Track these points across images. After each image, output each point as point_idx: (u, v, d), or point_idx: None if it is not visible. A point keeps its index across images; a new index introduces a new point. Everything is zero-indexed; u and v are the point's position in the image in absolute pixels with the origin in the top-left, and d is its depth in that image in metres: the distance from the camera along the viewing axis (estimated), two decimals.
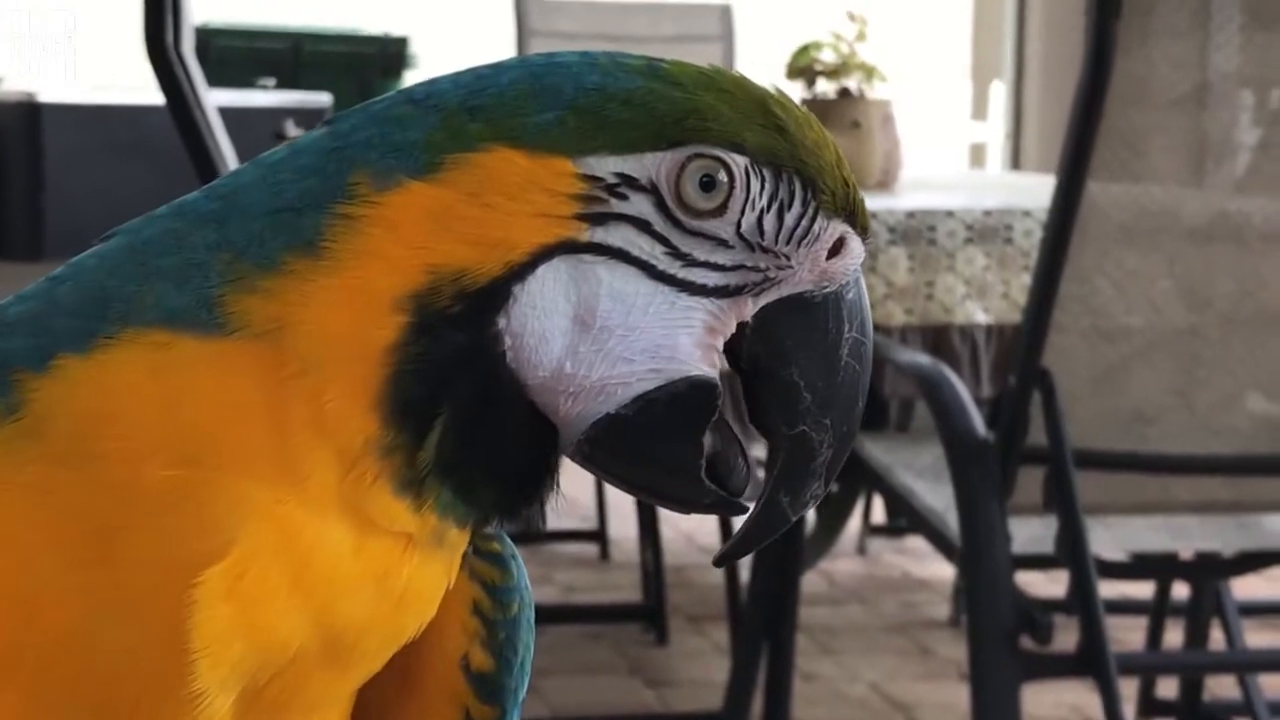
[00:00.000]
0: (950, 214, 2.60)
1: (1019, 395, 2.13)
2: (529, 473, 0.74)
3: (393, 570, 0.71)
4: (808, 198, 0.75)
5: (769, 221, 0.75)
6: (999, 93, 6.35)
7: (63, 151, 4.93)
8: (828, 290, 0.76)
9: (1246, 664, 2.88)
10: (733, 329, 0.75)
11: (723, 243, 0.74)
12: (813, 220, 0.75)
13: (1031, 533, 2.19)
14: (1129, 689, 2.78)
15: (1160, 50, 2.07)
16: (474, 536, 0.78)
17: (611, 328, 0.73)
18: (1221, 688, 3.10)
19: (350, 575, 0.70)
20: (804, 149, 0.75)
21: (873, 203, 2.68)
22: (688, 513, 0.77)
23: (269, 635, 0.69)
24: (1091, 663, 2.11)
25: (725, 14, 4.28)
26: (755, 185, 0.74)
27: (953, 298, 2.59)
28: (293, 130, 4.29)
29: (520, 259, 0.71)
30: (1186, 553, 2.49)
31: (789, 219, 0.75)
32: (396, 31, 5.82)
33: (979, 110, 6.48)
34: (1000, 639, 2.10)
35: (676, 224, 0.74)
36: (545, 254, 0.72)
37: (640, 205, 0.73)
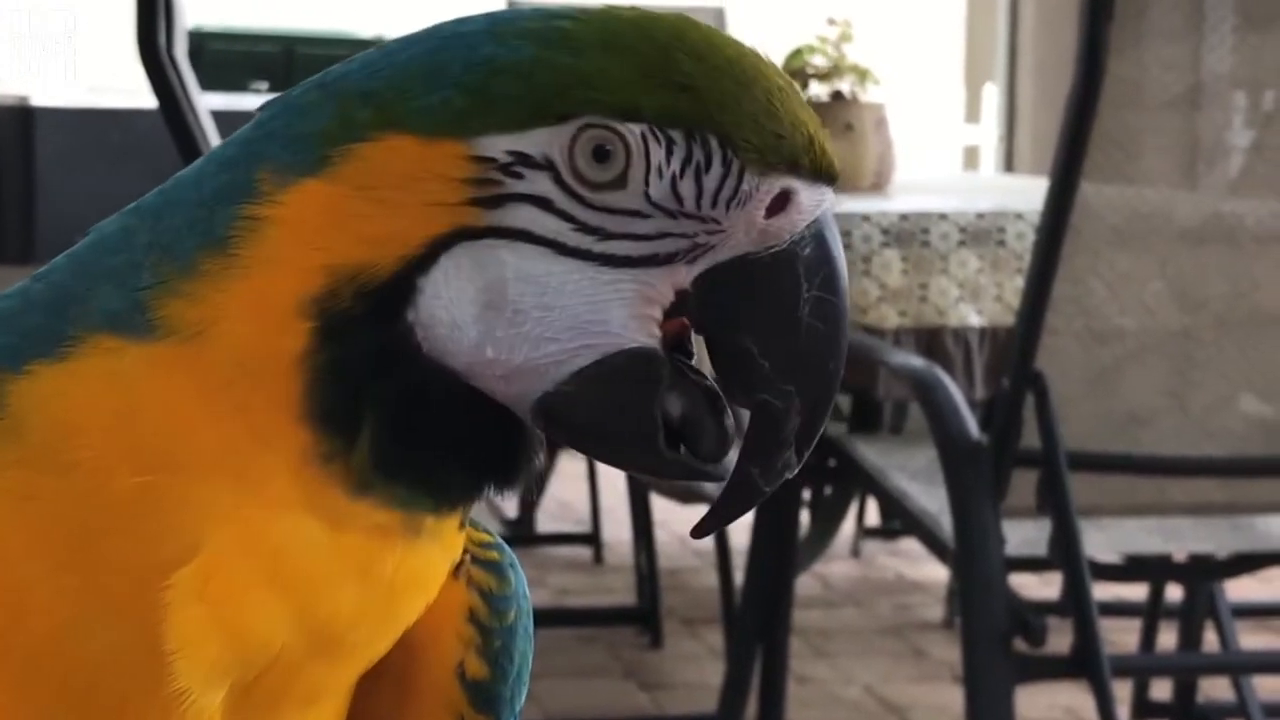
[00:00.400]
0: (943, 216, 2.60)
1: (1012, 397, 2.13)
2: (494, 451, 0.72)
3: (375, 561, 0.71)
4: (728, 157, 0.70)
5: (685, 186, 0.70)
6: (992, 95, 6.35)
7: (56, 154, 4.92)
8: (776, 249, 0.71)
9: (1240, 666, 2.88)
10: (670, 297, 0.71)
11: (636, 213, 0.70)
12: (739, 179, 0.70)
13: (1025, 535, 2.19)
14: (1123, 691, 2.78)
15: (1153, 52, 2.07)
16: (467, 526, 0.78)
17: (526, 310, 0.70)
18: (1215, 689, 3.10)
19: (328, 570, 0.70)
20: (716, 105, 0.69)
21: (866, 205, 2.68)
22: (658, 478, 0.75)
23: (247, 633, 0.69)
24: (1085, 665, 2.11)
25: (719, 17, 4.28)
26: (658, 151, 0.69)
27: (946, 300, 2.59)
28: None
29: (415, 252, 0.69)
30: (1180, 554, 2.50)
31: (708, 181, 0.70)
32: (389, 35, 5.82)
33: (972, 113, 6.49)
34: (994, 641, 2.10)
35: (579, 199, 0.70)
36: (442, 244, 0.69)
37: (538, 183, 0.70)
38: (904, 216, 2.60)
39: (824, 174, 0.71)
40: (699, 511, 0.76)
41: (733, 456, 0.73)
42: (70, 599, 0.68)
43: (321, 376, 0.69)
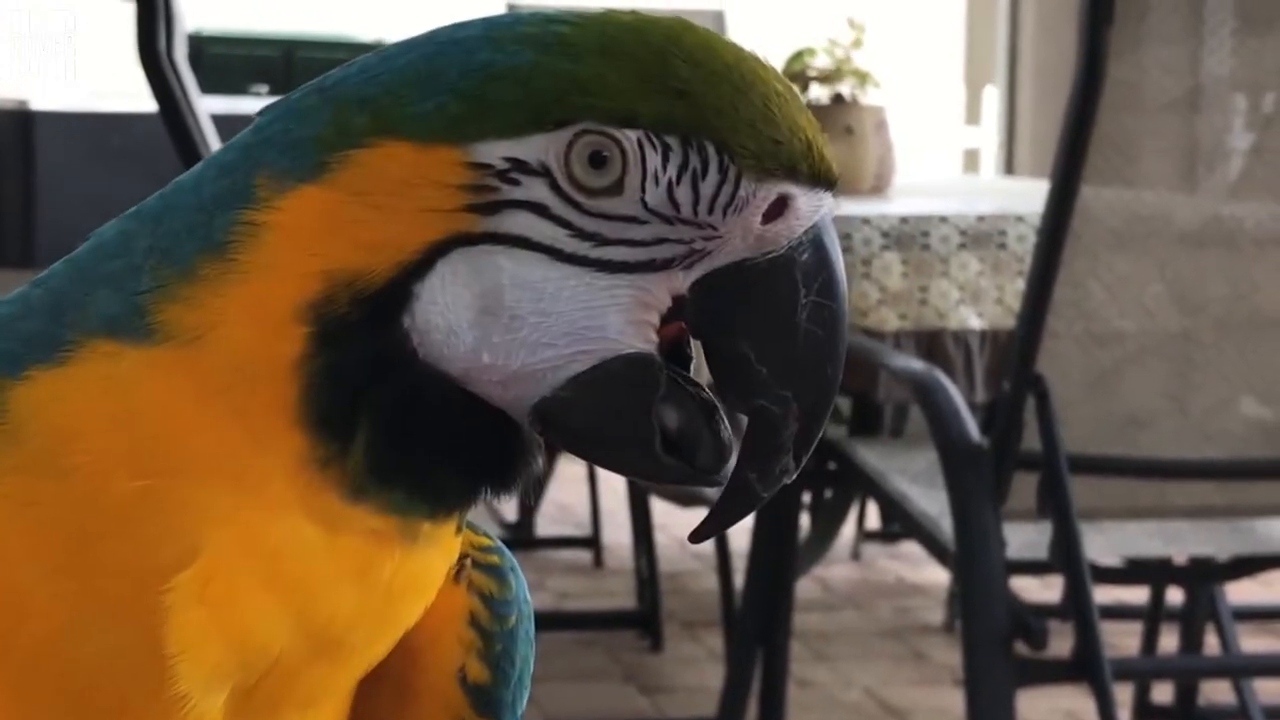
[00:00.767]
0: (944, 219, 2.60)
1: (1013, 400, 2.13)
2: (491, 456, 0.72)
3: (373, 565, 0.71)
4: (724, 163, 0.69)
5: (682, 192, 0.70)
6: (992, 98, 6.35)
7: (56, 158, 4.92)
8: (773, 255, 0.70)
9: (1241, 669, 2.88)
10: (667, 303, 0.71)
11: (633, 219, 0.70)
12: (736, 185, 0.70)
13: (1026, 538, 2.19)
14: (1124, 694, 2.78)
15: (1152, 55, 2.07)
16: (466, 529, 0.78)
17: (523, 315, 0.70)
18: (1216, 692, 3.10)
19: (326, 574, 0.70)
20: (712, 111, 0.69)
21: (866, 208, 2.68)
22: (656, 483, 0.75)
23: (247, 636, 0.69)
24: (1086, 668, 2.11)
25: (718, 20, 4.28)
26: (654, 158, 0.69)
27: (947, 303, 2.59)
28: None
29: (412, 258, 0.69)
30: (1181, 557, 2.50)
31: (705, 187, 0.70)
32: (389, 38, 5.82)
33: (972, 115, 6.49)
34: (995, 644, 2.10)
35: (576, 205, 0.69)
36: (438, 250, 0.69)
37: (535, 190, 0.69)
38: (904, 219, 2.60)
39: (822, 179, 0.71)
40: (699, 515, 0.76)
41: (732, 460, 0.73)
42: (69, 603, 0.68)
43: (318, 381, 0.69)
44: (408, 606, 0.74)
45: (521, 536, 4.04)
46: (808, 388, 0.71)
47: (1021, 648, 2.12)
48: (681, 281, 0.71)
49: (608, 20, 0.70)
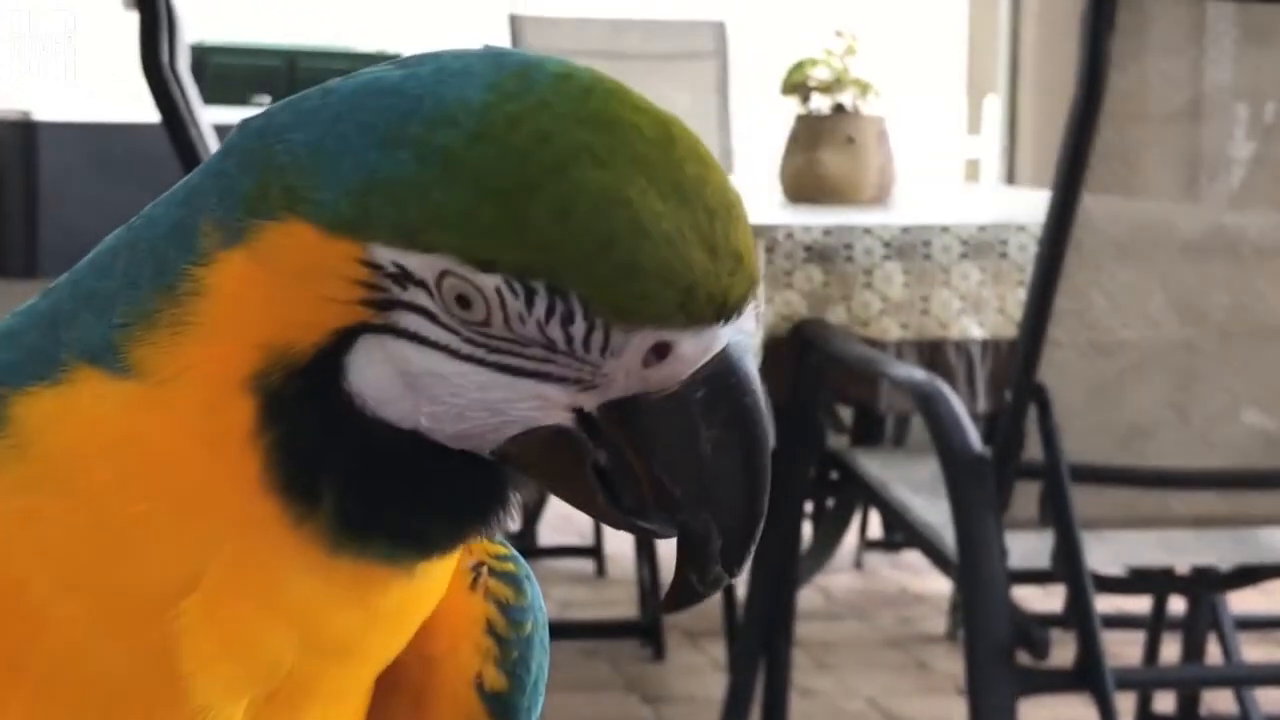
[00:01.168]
0: (945, 229, 2.61)
1: (1015, 410, 2.13)
2: (473, 493, 0.71)
3: (374, 594, 0.71)
4: (589, 313, 0.66)
5: (554, 332, 0.67)
6: (994, 107, 6.36)
7: (58, 169, 4.93)
8: (665, 393, 0.67)
9: (1243, 678, 2.88)
10: (574, 404, 0.68)
11: (514, 343, 0.68)
12: (606, 333, 0.66)
13: (1028, 547, 2.19)
14: (1126, 703, 2.78)
15: (1154, 65, 2.07)
16: (474, 548, 0.78)
17: (439, 395, 0.68)
18: (1219, 702, 3.10)
19: (329, 600, 0.70)
20: (572, 264, 0.65)
21: (867, 218, 2.68)
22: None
23: (258, 654, 0.69)
24: (1088, 677, 2.11)
25: (719, 30, 4.28)
26: (516, 303, 0.66)
27: (948, 312, 2.60)
28: None
29: (326, 340, 0.68)
30: (1183, 567, 2.49)
31: (575, 331, 0.66)
32: (391, 49, 5.83)
33: (974, 125, 6.49)
34: (997, 654, 2.10)
35: (457, 319, 0.67)
36: (350, 334, 0.68)
37: (421, 297, 0.67)
38: (905, 229, 2.60)
39: (716, 318, 0.67)
40: None
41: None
42: (82, 620, 0.68)
43: (273, 453, 0.68)
44: (418, 615, 0.75)
45: (524, 546, 4.05)
46: (724, 513, 0.69)
47: (1024, 657, 2.12)
48: (585, 400, 0.68)
49: (499, 133, 0.66)
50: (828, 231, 2.57)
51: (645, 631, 3.55)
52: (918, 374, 2.32)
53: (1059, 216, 2.07)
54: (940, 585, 3.87)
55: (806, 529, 3.19)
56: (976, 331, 2.60)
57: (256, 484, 0.68)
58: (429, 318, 0.68)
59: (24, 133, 4.96)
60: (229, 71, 5.41)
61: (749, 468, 0.69)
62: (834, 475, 2.91)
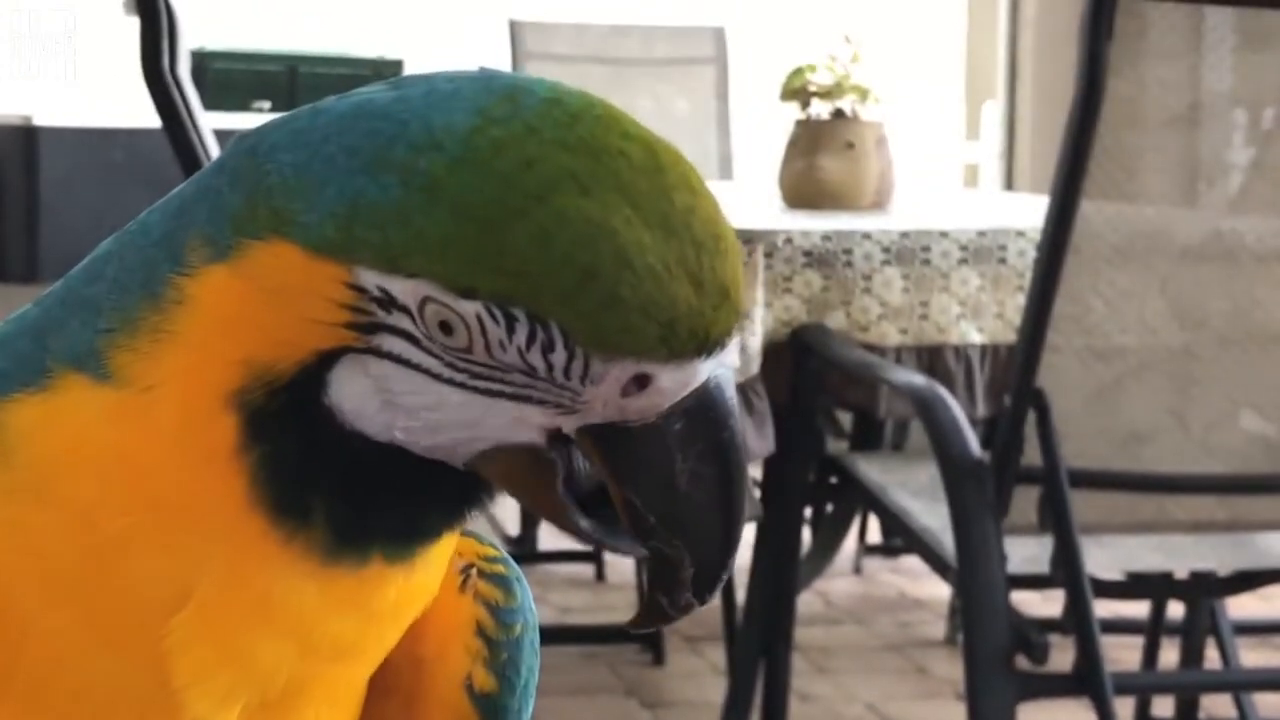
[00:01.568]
0: (944, 234, 2.61)
1: (1014, 415, 2.13)
2: (460, 489, 0.72)
3: (368, 597, 0.71)
4: (569, 342, 0.66)
5: (534, 359, 0.67)
6: (992, 113, 6.36)
7: (59, 174, 4.93)
8: (642, 423, 0.67)
9: (1242, 683, 2.88)
10: (551, 426, 0.68)
11: (495, 368, 0.68)
12: (585, 362, 0.66)
13: (1027, 552, 2.19)
14: (1125, 708, 2.78)
15: (1153, 71, 2.07)
16: (470, 541, 0.79)
17: (417, 411, 0.68)
18: (1217, 706, 3.10)
19: (325, 606, 0.70)
20: (552, 294, 0.65)
21: (867, 223, 2.68)
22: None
23: (252, 665, 0.70)
24: (1087, 682, 2.11)
25: (719, 36, 4.29)
26: (497, 330, 0.66)
27: (947, 318, 2.60)
28: None
29: (309, 359, 0.68)
30: (1181, 572, 2.50)
31: (555, 359, 0.66)
32: (391, 55, 5.83)
33: (972, 131, 6.49)
34: (996, 659, 2.11)
35: (438, 343, 0.68)
36: (331, 355, 0.68)
37: (404, 321, 0.67)
38: (905, 234, 2.60)
39: (697, 353, 0.67)
40: None
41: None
42: (71, 631, 0.68)
43: (258, 470, 0.68)
44: (416, 602, 0.75)
45: (524, 550, 4.04)
46: (696, 543, 0.69)
47: (1023, 662, 2.13)
48: (563, 423, 0.68)
49: (484, 160, 0.66)
50: (827, 237, 2.57)
51: (645, 636, 3.55)
52: (917, 379, 2.32)
53: (1058, 222, 2.07)
54: (939, 590, 3.87)
55: (806, 534, 3.19)
56: (976, 337, 2.60)
57: (243, 501, 0.68)
58: (411, 341, 0.68)
59: (25, 137, 4.97)
60: (230, 77, 5.41)
61: (724, 501, 0.69)
62: (833, 480, 2.91)
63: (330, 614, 0.70)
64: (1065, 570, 2.11)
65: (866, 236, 2.59)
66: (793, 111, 3.13)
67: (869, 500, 2.64)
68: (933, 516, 2.36)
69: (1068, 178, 2.05)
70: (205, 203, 0.70)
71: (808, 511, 3.30)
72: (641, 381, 0.67)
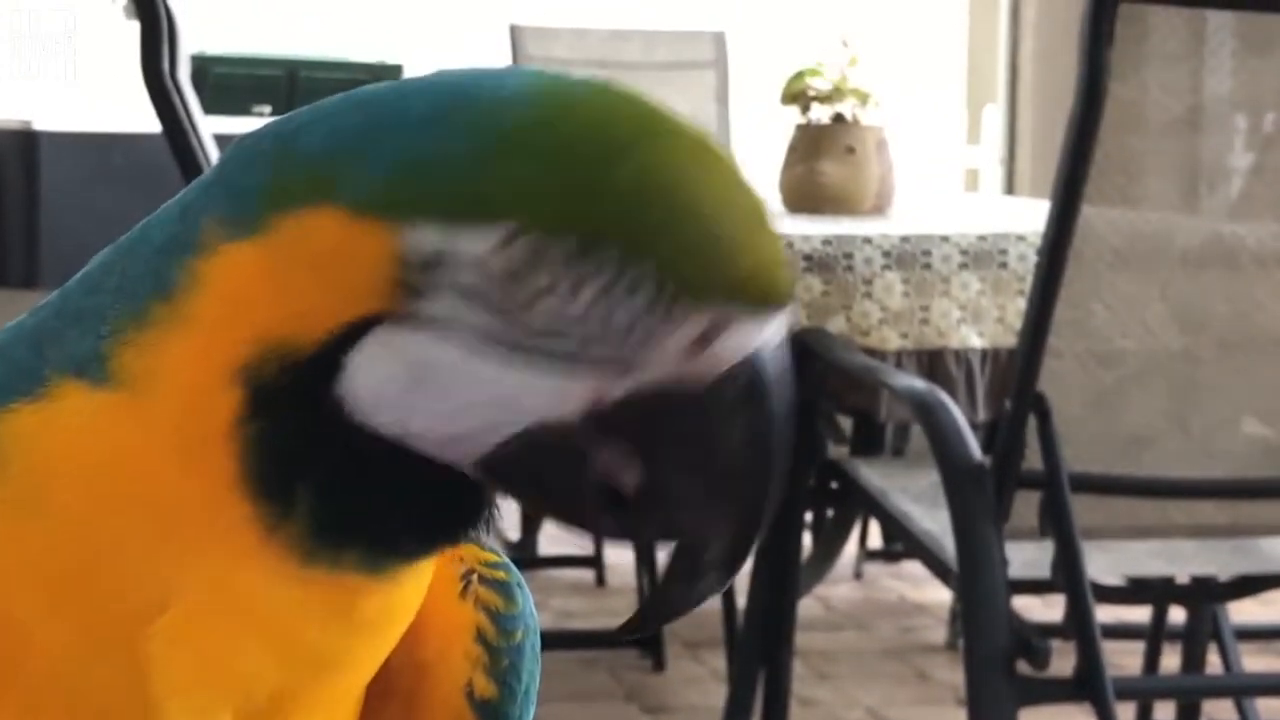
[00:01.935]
0: (945, 239, 2.61)
1: (1014, 419, 2.13)
2: (450, 505, 0.70)
3: (352, 604, 0.70)
4: (656, 285, 0.65)
5: (608, 308, 0.65)
6: (993, 117, 6.36)
7: (59, 179, 4.93)
8: (702, 384, 0.66)
9: (1243, 688, 2.88)
10: (592, 394, 0.67)
11: (559, 321, 0.66)
12: (667, 308, 0.65)
13: (1028, 557, 2.19)
14: (1126, 713, 2.78)
15: (1154, 75, 2.07)
16: (471, 546, 0.78)
17: (449, 389, 0.67)
18: (1219, 712, 3.10)
19: (306, 613, 0.69)
20: (647, 231, 0.65)
21: (867, 228, 2.68)
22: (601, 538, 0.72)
23: (235, 675, 0.69)
24: (1089, 687, 2.11)
25: (719, 40, 4.29)
26: (582, 272, 0.65)
27: (948, 322, 2.60)
28: None
29: (339, 331, 0.67)
30: (1183, 577, 2.50)
31: (634, 306, 0.65)
32: (391, 60, 5.84)
33: (973, 135, 6.50)
34: (997, 663, 2.10)
35: (502, 298, 0.66)
36: (365, 325, 0.67)
37: (462, 276, 0.66)
38: (905, 239, 2.60)
39: (765, 306, 0.67)
40: None
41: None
42: (64, 639, 0.68)
43: (251, 450, 0.67)
44: (404, 614, 0.74)
45: (524, 555, 4.05)
46: (731, 515, 0.68)
47: (1024, 667, 2.12)
48: (609, 387, 0.67)
49: (561, 114, 0.66)
50: (827, 241, 2.57)
51: (645, 641, 3.55)
52: (917, 383, 2.32)
53: (1059, 226, 2.07)
54: (940, 595, 3.87)
55: (806, 539, 3.19)
56: (976, 341, 2.60)
57: (230, 485, 0.67)
58: (465, 298, 0.66)
59: (25, 142, 4.96)
60: (230, 82, 5.41)
61: (760, 477, 0.68)
62: (834, 485, 2.91)
63: (310, 623, 0.69)
64: (1066, 575, 2.11)
65: (867, 241, 2.59)
66: (793, 116, 3.13)
67: (870, 505, 2.64)
68: (933, 521, 2.35)
69: (1069, 182, 2.05)
70: (219, 194, 0.69)
71: (808, 516, 3.30)
72: (712, 333, 0.66)
